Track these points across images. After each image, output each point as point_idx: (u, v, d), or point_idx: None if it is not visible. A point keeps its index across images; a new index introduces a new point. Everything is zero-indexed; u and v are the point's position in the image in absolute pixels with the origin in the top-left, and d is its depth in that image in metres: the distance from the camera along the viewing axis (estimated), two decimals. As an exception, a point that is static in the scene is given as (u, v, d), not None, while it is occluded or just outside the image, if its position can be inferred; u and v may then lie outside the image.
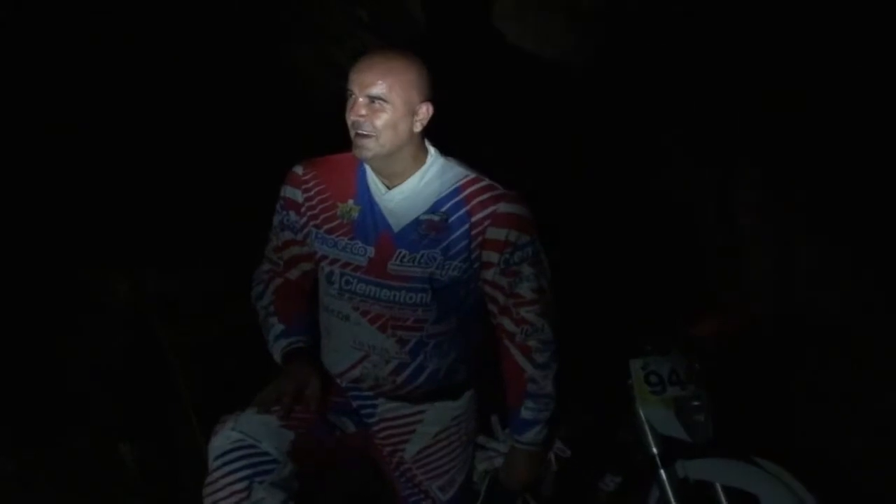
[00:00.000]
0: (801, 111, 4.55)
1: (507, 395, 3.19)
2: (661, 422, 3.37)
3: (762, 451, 3.39)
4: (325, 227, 3.14)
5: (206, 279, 4.52)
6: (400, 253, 3.09)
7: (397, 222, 3.10)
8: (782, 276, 4.58)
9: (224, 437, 3.05)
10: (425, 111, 3.04)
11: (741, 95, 4.57)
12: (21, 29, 4.45)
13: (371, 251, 3.10)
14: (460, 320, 3.20)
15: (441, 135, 3.13)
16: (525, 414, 3.16)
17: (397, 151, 3.03)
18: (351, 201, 3.13)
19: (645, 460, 3.38)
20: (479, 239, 3.07)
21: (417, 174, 3.09)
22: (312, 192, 3.16)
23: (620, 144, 4.62)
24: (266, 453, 3.04)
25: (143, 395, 4.33)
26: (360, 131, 2.99)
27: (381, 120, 2.98)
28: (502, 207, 3.07)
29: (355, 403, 3.29)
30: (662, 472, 3.34)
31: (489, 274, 3.12)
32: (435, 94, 3.05)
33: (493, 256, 3.09)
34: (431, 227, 3.08)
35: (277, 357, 3.23)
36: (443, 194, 3.09)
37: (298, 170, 3.19)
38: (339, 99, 3.11)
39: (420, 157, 3.10)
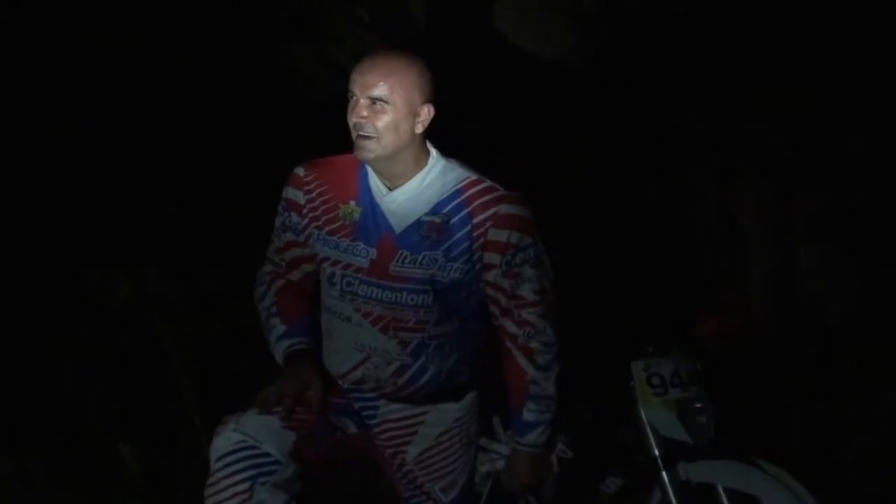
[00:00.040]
0: (800, 111, 4.56)
1: (509, 396, 3.19)
2: (663, 423, 3.36)
3: (763, 452, 3.39)
4: (327, 228, 3.14)
5: (206, 279, 4.52)
6: (401, 254, 3.08)
7: (399, 224, 3.09)
8: (782, 276, 4.59)
9: (226, 439, 3.04)
10: (427, 112, 3.03)
11: (741, 95, 4.58)
12: (21, 29, 4.44)
13: (373, 252, 3.10)
14: (462, 322, 3.20)
15: (441, 135, 3.13)
16: (527, 416, 3.16)
17: (399, 153, 3.03)
18: (353, 203, 3.13)
19: (647, 462, 3.38)
20: (481, 240, 3.07)
21: (419, 175, 3.09)
22: (314, 194, 3.16)
23: (620, 144, 4.62)
24: (268, 454, 3.03)
25: (144, 395, 4.33)
26: (361, 133, 2.98)
27: (383, 121, 2.97)
28: (504, 209, 3.06)
29: (357, 405, 3.29)
30: (664, 473, 3.34)
31: (491, 275, 3.11)
32: (436, 96, 3.04)
33: (495, 258, 3.08)
34: (433, 228, 3.07)
35: (279, 358, 3.23)
36: (444, 195, 3.09)
37: (300, 171, 3.19)
38: (340, 99, 3.11)
39: (422, 159, 3.09)
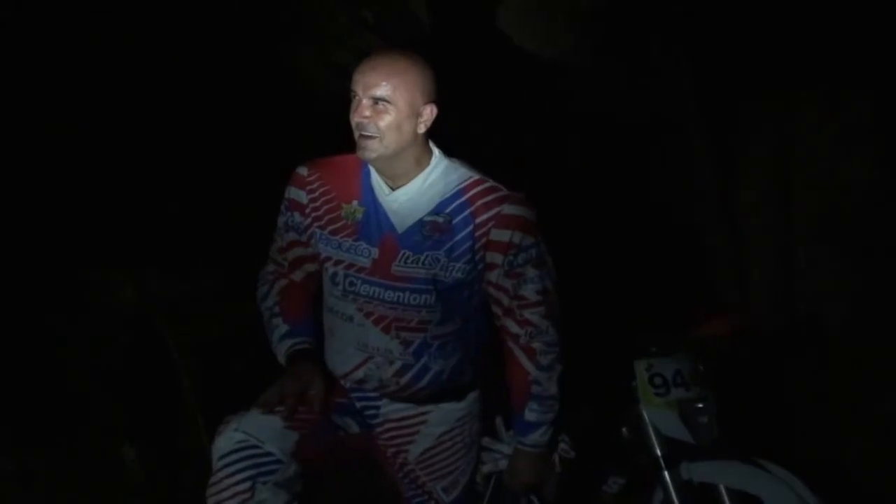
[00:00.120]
0: (800, 111, 4.56)
1: (512, 396, 3.20)
2: (666, 424, 3.37)
3: (764, 452, 3.39)
4: (330, 228, 3.14)
5: (206, 279, 4.51)
6: (404, 254, 3.09)
7: (401, 223, 3.09)
8: (782, 276, 4.60)
9: (228, 438, 3.04)
10: (429, 112, 3.03)
11: (741, 95, 4.59)
12: (21, 29, 4.44)
13: (375, 252, 3.10)
14: (464, 322, 3.20)
15: (441, 135, 3.13)
16: (529, 416, 3.17)
17: (401, 153, 3.03)
18: (355, 202, 3.13)
19: (649, 462, 3.39)
20: (483, 240, 3.07)
21: (421, 175, 3.09)
22: (317, 194, 3.16)
23: (620, 145, 4.62)
24: (270, 454, 3.03)
25: (144, 395, 4.33)
26: (364, 132, 2.98)
27: (385, 121, 2.97)
28: (506, 209, 3.07)
29: (359, 404, 3.29)
30: (666, 473, 3.35)
31: (493, 275, 3.11)
32: (439, 96, 3.04)
33: (497, 258, 3.09)
34: (435, 228, 3.07)
35: (281, 358, 3.22)
36: (447, 195, 3.09)
37: (303, 171, 3.19)
38: (340, 99, 3.11)
39: (424, 159, 3.10)
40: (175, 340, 4.37)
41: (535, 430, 3.18)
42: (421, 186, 3.08)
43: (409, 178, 3.09)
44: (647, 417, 3.39)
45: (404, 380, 3.18)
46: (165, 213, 4.51)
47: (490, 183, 3.10)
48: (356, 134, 3.01)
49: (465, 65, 4.34)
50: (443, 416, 3.27)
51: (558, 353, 3.16)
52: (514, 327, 3.14)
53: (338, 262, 3.14)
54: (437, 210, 3.08)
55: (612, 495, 3.53)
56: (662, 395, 3.38)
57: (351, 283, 3.13)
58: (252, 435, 3.03)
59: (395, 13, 4.58)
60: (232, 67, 4.58)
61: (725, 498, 3.34)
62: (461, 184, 3.10)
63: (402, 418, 3.27)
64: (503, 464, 3.35)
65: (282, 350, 3.22)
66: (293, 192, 3.19)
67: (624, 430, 3.49)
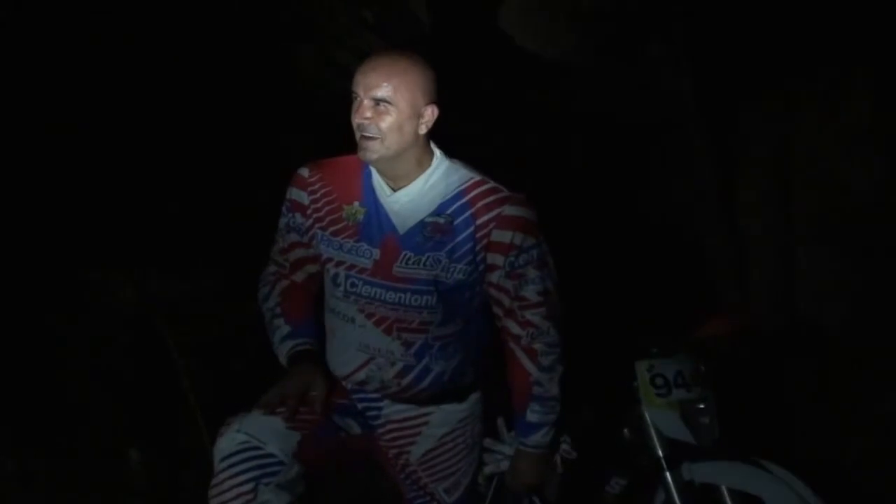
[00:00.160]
0: (800, 111, 4.57)
1: (513, 397, 3.20)
2: (667, 424, 3.37)
3: (764, 452, 3.40)
4: (331, 229, 3.14)
5: (206, 279, 4.51)
6: (405, 255, 3.08)
7: (402, 224, 3.09)
8: (782, 276, 4.60)
9: (230, 439, 3.04)
10: (430, 113, 3.03)
11: (741, 95, 4.59)
12: (21, 29, 4.43)
13: (376, 253, 3.10)
14: (466, 323, 3.20)
15: (442, 135, 3.13)
16: (531, 417, 3.17)
17: (402, 153, 3.03)
18: (356, 203, 3.12)
19: (650, 463, 3.39)
20: (484, 241, 3.07)
21: (423, 176, 3.08)
22: (318, 195, 3.15)
23: (621, 145, 4.63)
24: (272, 455, 3.03)
25: (144, 395, 4.33)
26: (365, 134, 2.98)
27: (387, 122, 2.97)
28: (507, 210, 3.06)
29: (361, 405, 3.28)
30: (668, 474, 3.35)
31: (494, 276, 3.11)
32: (440, 96, 3.04)
33: (498, 259, 3.09)
34: (437, 229, 3.07)
35: (283, 359, 3.22)
36: (448, 196, 3.09)
37: (304, 172, 3.18)
38: (341, 99, 3.11)
39: (425, 160, 3.09)
40: (175, 340, 4.36)
41: (537, 431, 3.18)
42: (422, 187, 3.08)
43: (410, 179, 3.08)
44: (648, 418, 3.39)
45: (406, 381, 3.18)
46: (165, 213, 4.50)
47: (491, 184, 3.10)
48: (357, 135, 3.00)
49: (466, 65, 4.34)
50: (444, 418, 3.27)
51: (559, 354, 3.16)
52: (515, 328, 3.14)
53: (339, 264, 3.14)
54: (439, 211, 3.08)
55: (613, 496, 3.53)
56: (664, 395, 3.38)
57: (352, 285, 3.13)
58: (254, 436, 3.03)
59: (395, 13, 4.58)
60: (232, 67, 4.58)
61: (727, 498, 3.34)
62: (462, 185, 3.10)
63: (404, 419, 3.27)
64: (505, 465, 3.35)
65: (283, 351, 3.22)
66: (294, 193, 3.19)
67: (625, 430, 3.50)
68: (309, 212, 3.16)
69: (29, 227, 4.40)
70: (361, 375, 3.20)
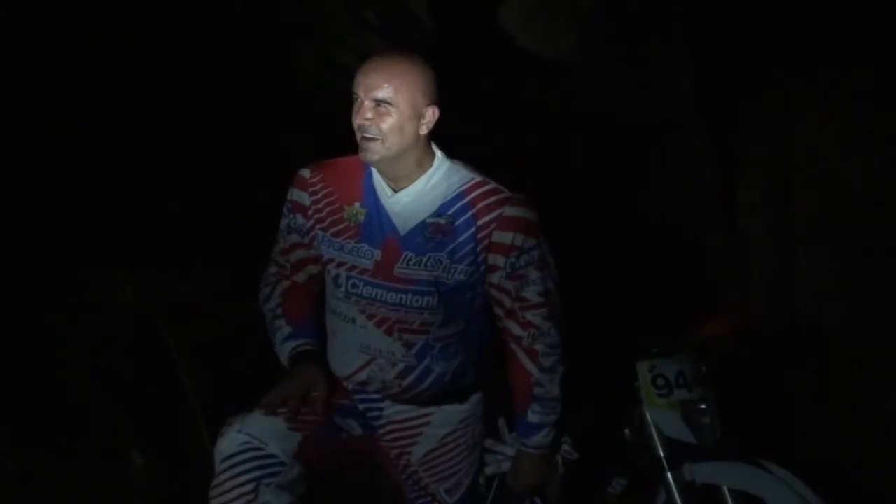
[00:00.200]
0: (800, 111, 4.57)
1: (514, 398, 3.20)
2: (668, 424, 3.37)
3: (765, 452, 3.40)
4: (332, 230, 3.14)
5: (206, 279, 4.51)
6: (406, 256, 3.08)
7: (403, 225, 3.09)
8: (782, 276, 4.60)
9: (231, 440, 3.04)
10: (431, 114, 3.03)
11: (741, 95, 4.59)
12: (21, 29, 4.43)
13: (377, 254, 3.09)
14: (467, 323, 3.20)
15: (443, 135, 3.13)
16: (532, 417, 3.17)
17: (403, 154, 3.03)
18: (357, 204, 3.12)
19: (652, 463, 3.39)
20: (485, 242, 3.07)
21: (424, 177, 3.08)
22: (319, 195, 3.15)
23: (621, 145, 4.63)
24: (273, 455, 3.03)
25: (145, 395, 4.33)
26: (366, 135, 2.98)
27: (387, 123, 2.96)
28: (508, 211, 3.06)
29: (362, 406, 3.28)
30: (669, 474, 3.35)
31: (495, 277, 3.11)
32: (441, 97, 3.04)
33: (499, 260, 3.09)
34: (438, 230, 3.07)
35: (284, 360, 3.22)
36: (449, 197, 3.08)
37: (305, 173, 3.18)
38: (341, 99, 3.11)
39: (426, 160, 3.09)
40: (175, 340, 4.36)
41: (538, 431, 3.18)
42: (423, 188, 3.08)
43: (411, 179, 3.08)
44: (649, 418, 3.39)
45: (407, 382, 3.18)
46: (165, 213, 4.50)
47: (492, 185, 3.10)
48: (358, 136, 3.00)
49: (466, 65, 4.34)
50: (445, 418, 3.26)
51: (560, 355, 3.16)
52: (516, 329, 3.14)
53: (340, 264, 3.13)
54: (440, 212, 3.08)
55: (615, 496, 3.53)
56: (665, 395, 3.38)
57: (353, 285, 3.12)
58: (255, 436, 3.03)
59: (395, 14, 4.58)
60: (233, 67, 4.58)
61: (728, 499, 3.34)
62: (463, 185, 3.10)
63: (405, 420, 3.26)
64: (506, 465, 3.35)
65: (285, 352, 3.22)
66: (296, 194, 3.19)
67: (626, 431, 3.49)
68: (310, 213, 3.16)
69: (29, 227, 4.40)
70: (362, 376, 3.20)
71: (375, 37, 4.56)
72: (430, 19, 4.53)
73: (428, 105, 3.01)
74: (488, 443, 3.40)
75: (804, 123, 4.54)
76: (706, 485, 3.37)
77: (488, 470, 3.40)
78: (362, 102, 2.97)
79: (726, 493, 3.34)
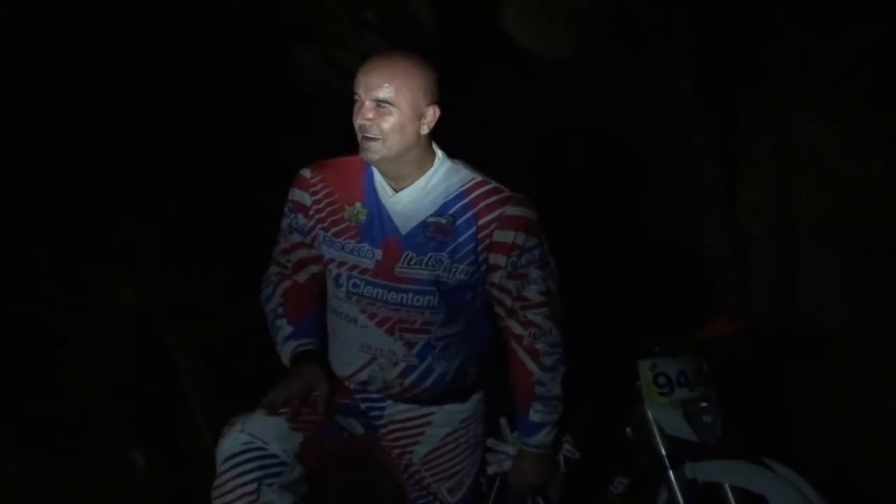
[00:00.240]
0: (800, 111, 4.57)
1: (515, 397, 3.19)
2: (670, 423, 3.38)
3: (766, 452, 3.40)
4: (333, 229, 3.13)
5: (206, 279, 4.51)
6: (407, 255, 3.08)
7: (404, 225, 3.09)
8: (783, 276, 4.60)
9: (233, 440, 3.04)
10: (432, 114, 3.03)
11: (742, 95, 4.60)
12: (21, 29, 4.43)
13: (378, 254, 3.09)
14: (468, 323, 3.20)
15: (443, 135, 3.13)
16: (533, 417, 3.16)
17: (404, 154, 3.02)
18: (358, 204, 3.12)
19: (653, 462, 3.39)
20: (486, 242, 3.07)
21: (424, 177, 3.08)
22: (320, 195, 3.15)
23: (620, 145, 4.63)
24: (275, 455, 3.03)
25: (146, 395, 4.33)
26: (366, 135, 2.98)
27: (388, 123, 2.96)
28: (509, 210, 3.06)
29: (363, 405, 3.28)
30: (671, 473, 3.35)
31: (496, 277, 3.11)
32: (442, 97, 3.04)
33: (500, 259, 3.08)
34: (439, 229, 3.07)
35: (285, 359, 3.22)
36: (450, 197, 3.08)
37: (306, 173, 3.18)
38: (342, 99, 3.11)
39: (427, 160, 3.09)
40: (176, 341, 4.36)
41: (540, 430, 3.18)
42: (424, 188, 3.08)
43: (412, 179, 3.08)
44: (651, 417, 3.40)
45: (408, 381, 3.17)
46: (165, 213, 4.50)
47: (493, 184, 3.10)
48: (359, 136, 3.00)
49: (466, 65, 4.34)
50: (447, 418, 3.26)
51: (562, 354, 3.15)
52: (517, 328, 3.13)
53: (341, 264, 3.13)
54: (441, 211, 3.08)
55: (616, 495, 3.53)
56: (666, 394, 3.38)
57: (354, 285, 3.12)
58: (257, 436, 3.03)
59: (395, 14, 4.58)
60: (233, 68, 4.58)
61: (730, 497, 3.34)
62: (464, 185, 3.10)
63: (407, 419, 3.26)
64: (508, 465, 3.34)
65: (286, 351, 3.22)
66: (297, 194, 3.19)
67: (628, 430, 3.50)
68: (311, 212, 3.16)
69: (29, 227, 4.40)
70: (364, 376, 3.20)
71: (375, 37, 4.56)
72: (430, 19, 4.54)
73: (429, 105, 3.01)
74: (490, 442, 3.40)
75: (804, 123, 4.54)
76: (708, 483, 3.37)
77: (490, 469, 3.40)
78: (363, 102, 2.97)
79: (728, 491, 3.34)
